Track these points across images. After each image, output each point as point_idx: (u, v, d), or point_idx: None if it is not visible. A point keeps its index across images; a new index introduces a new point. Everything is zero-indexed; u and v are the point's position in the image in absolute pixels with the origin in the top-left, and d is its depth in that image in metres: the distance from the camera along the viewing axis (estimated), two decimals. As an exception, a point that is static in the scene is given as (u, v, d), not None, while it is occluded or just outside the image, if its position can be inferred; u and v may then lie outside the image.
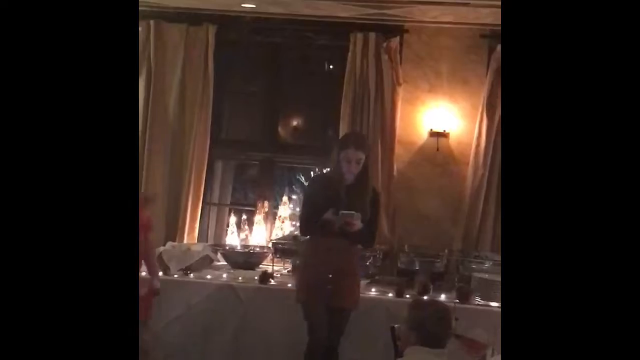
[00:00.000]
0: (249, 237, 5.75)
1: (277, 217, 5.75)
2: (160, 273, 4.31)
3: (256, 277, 4.82)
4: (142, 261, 4.31)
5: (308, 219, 4.21)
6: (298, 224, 5.77)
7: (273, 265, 5.14)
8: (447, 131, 5.52)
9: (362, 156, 4.11)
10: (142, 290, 4.15)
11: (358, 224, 4.01)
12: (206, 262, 5.09)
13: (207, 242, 5.75)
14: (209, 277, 4.88)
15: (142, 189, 5.35)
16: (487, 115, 5.39)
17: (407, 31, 5.59)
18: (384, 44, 5.53)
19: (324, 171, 4.78)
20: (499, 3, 2.08)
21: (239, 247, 5.56)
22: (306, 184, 5.14)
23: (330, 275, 4.08)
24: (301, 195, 5.17)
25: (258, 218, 5.80)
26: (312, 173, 5.36)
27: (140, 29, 5.63)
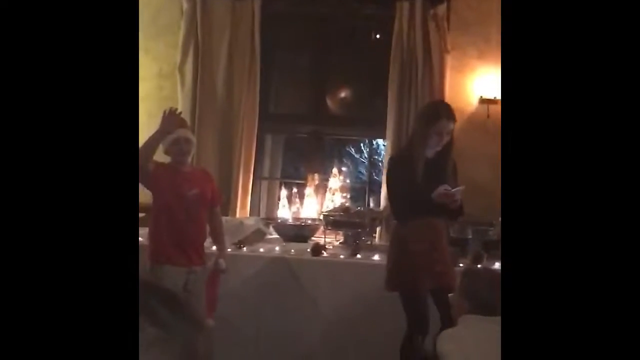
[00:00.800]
0: (300, 210, 5.78)
1: (327, 190, 5.78)
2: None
3: (308, 250, 4.85)
4: (212, 237, 4.34)
5: (401, 201, 4.02)
6: (348, 196, 5.81)
7: (325, 238, 5.16)
8: (497, 98, 5.44)
9: (453, 126, 3.98)
10: (209, 266, 4.19)
11: (461, 199, 3.89)
12: (259, 235, 5.13)
13: (259, 215, 5.80)
14: (261, 250, 4.93)
15: (194, 164, 5.39)
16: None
17: (453, -3, 5.51)
18: (431, 12, 5.46)
19: (399, 150, 4.56)
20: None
21: (290, 220, 5.60)
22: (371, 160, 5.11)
23: (434, 256, 3.94)
24: (351, 167, 5.14)
25: (309, 191, 5.83)
26: (360, 146, 5.33)
27: (186, 5, 5.66)
